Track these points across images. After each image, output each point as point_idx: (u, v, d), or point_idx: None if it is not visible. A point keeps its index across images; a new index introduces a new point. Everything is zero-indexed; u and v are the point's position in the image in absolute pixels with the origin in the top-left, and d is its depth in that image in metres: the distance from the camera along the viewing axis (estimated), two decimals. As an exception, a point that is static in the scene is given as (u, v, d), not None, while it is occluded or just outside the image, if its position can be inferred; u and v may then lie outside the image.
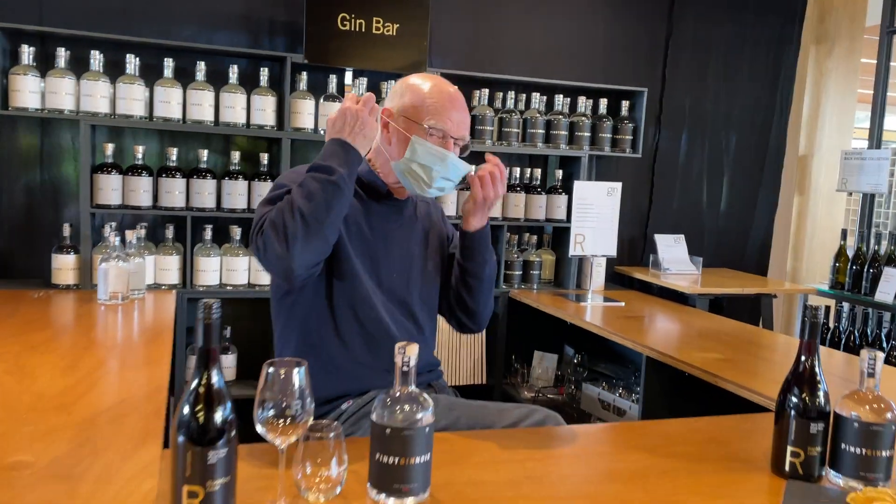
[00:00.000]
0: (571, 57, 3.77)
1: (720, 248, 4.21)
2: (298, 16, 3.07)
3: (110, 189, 2.91)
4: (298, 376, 1.14)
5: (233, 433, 1.12)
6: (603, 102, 3.62)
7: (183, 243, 3.04)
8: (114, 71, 2.96)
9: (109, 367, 1.88)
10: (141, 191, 2.96)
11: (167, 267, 3.02)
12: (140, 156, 2.97)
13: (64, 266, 2.89)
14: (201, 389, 1.10)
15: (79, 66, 2.91)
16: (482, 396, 3.60)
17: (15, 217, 3.05)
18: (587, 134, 3.57)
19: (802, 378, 1.35)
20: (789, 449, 1.33)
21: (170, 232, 3.05)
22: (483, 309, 1.93)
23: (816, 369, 1.35)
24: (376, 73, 3.24)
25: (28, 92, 2.80)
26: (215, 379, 1.11)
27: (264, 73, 3.09)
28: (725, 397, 2.07)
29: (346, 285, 1.72)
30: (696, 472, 1.37)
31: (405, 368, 1.22)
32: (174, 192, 2.99)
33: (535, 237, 3.61)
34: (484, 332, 3.44)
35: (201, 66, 3.00)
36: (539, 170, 3.58)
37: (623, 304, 3.27)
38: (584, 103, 3.59)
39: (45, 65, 2.91)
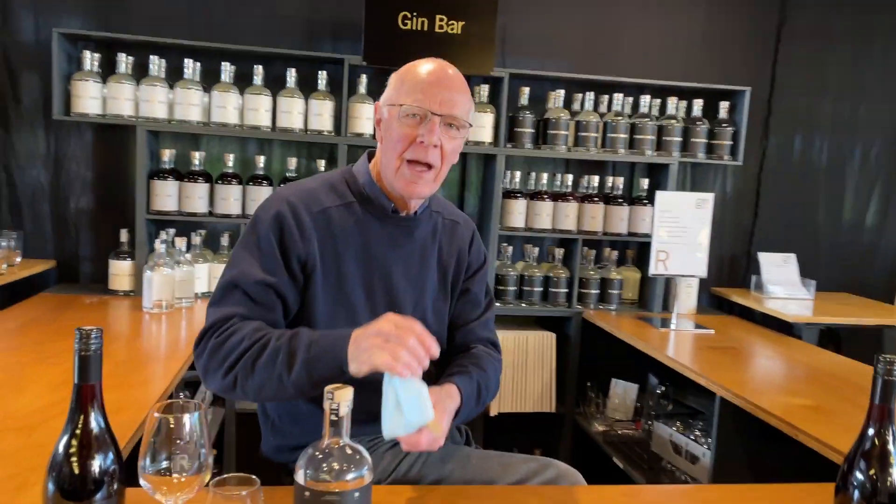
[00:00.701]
0: (660, 53, 3.40)
1: (840, 270, 3.67)
2: (358, 16, 2.92)
3: (166, 195, 2.87)
4: (191, 422, 0.95)
5: (114, 487, 0.94)
6: (697, 104, 3.24)
7: (238, 252, 2.96)
8: (175, 76, 2.93)
9: (104, 384, 1.77)
10: (196, 197, 2.90)
11: (221, 275, 2.94)
12: (197, 162, 2.92)
13: (120, 272, 2.88)
14: (75, 437, 0.92)
15: (141, 72, 2.90)
16: (551, 426, 3.32)
17: (83, 222, 3.09)
18: (678, 139, 3.19)
19: (871, 453, 1.02)
20: (849, 547, 1.01)
21: (225, 240, 2.98)
22: None
23: (890, 444, 1.01)
24: (440, 75, 3.02)
25: (89, 98, 2.80)
26: (94, 422, 0.93)
27: (322, 77, 2.97)
28: (816, 452, 1.69)
29: (337, 328, 1.43)
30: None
31: (334, 417, 1.00)
32: (230, 199, 2.92)
33: (615, 252, 3.27)
34: (554, 355, 3.15)
35: (259, 71, 2.92)
36: (621, 178, 3.25)
37: (713, 331, 2.88)
38: (674, 105, 3.22)
39: (108, 70, 2.92)
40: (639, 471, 2.66)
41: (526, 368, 3.13)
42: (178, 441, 0.94)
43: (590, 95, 3.16)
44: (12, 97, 2.95)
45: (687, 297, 3.23)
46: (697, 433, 2.45)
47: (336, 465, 0.99)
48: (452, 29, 2.94)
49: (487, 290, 1.71)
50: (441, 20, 2.92)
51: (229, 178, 2.93)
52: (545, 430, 3.36)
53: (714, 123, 3.26)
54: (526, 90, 3.10)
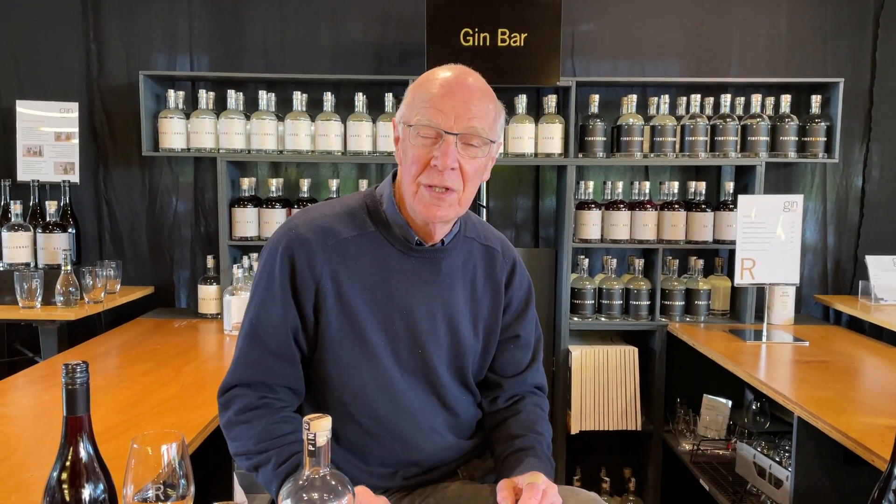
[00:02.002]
0: (740, 49, 3.20)
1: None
2: (423, 37, 2.94)
3: (246, 222, 3.00)
4: (170, 453, 0.98)
5: (105, 515, 0.98)
6: (785, 99, 3.02)
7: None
8: (252, 107, 3.07)
9: (165, 406, 1.87)
10: (274, 223, 3.01)
11: (300, 297, 3.04)
12: (274, 188, 3.04)
13: (207, 296, 3.03)
14: (65, 469, 0.97)
15: (221, 106, 3.06)
16: (639, 445, 3.18)
17: (176, 250, 3.28)
18: (764, 138, 2.99)
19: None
20: None
21: (303, 262, 3.08)
22: None
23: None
24: (506, 90, 2.98)
25: (174, 133, 2.99)
26: (83, 452, 0.98)
27: (389, 99, 3.01)
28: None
29: (355, 371, 1.39)
30: None
31: (311, 447, 1.00)
32: (305, 223, 3.01)
33: (701, 261, 3.10)
34: (637, 370, 3.03)
35: (328, 97, 3.00)
36: (703, 183, 3.08)
37: (807, 343, 2.67)
38: (758, 102, 3.02)
39: (191, 106, 3.10)
40: (724, 494, 2.50)
41: (608, 385, 3.01)
42: (158, 470, 0.97)
43: (665, 98, 3.03)
44: (109, 136, 3.19)
45: (783, 307, 3.01)
46: (784, 454, 2.27)
47: (316, 495, 0.99)
48: (515, 41, 2.90)
49: (536, 326, 1.58)
50: (503, 33, 2.90)
51: (304, 203, 3.03)
52: (632, 450, 3.23)
53: (805, 119, 3.03)
54: (596, 97, 3.02)
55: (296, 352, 1.39)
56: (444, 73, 1.33)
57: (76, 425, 0.97)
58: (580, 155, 3.03)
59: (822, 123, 3.00)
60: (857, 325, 3.13)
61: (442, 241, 1.43)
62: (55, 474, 0.97)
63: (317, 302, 1.36)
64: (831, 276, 3.34)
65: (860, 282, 3.17)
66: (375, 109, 3.07)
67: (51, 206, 2.89)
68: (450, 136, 1.28)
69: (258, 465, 1.32)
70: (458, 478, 1.48)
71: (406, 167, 1.34)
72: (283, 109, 3.08)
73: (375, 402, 1.39)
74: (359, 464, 1.42)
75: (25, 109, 3.10)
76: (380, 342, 1.38)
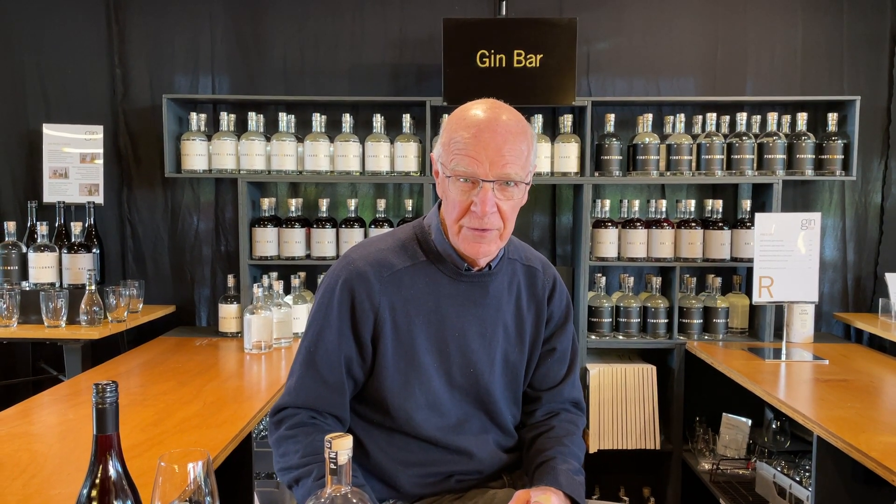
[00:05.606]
0: (756, 66, 3.21)
1: None
2: (440, 58, 2.99)
3: (266, 241, 3.05)
4: (195, 470, 1.00)
5: (135, 533, 1.01)
6: (801, 117, 3.03)
7: (334, 292, 3.08)
8: (272, 129, 3.12)
9: (188, 424, 1.89)
10: (294, 242, 3.06)
11: (319, 316, 3.06)
12: (293, 208, 3.09)
13: (228, 315, 3.07)
14: (94, 486, 1.00)
15: (242, 128, 3.11)
16: (658, 464, 3.17)
17: (197, 269, 3.33)
18: (781, 156, 3.00)
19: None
20: None
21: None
22: None
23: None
24: (522, 110, 2.99)
25: (196, 155, 3.04)
26: (112, 470, 1.01)
27: (407, 119, 3.06)
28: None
29: (409, 394, 1.45)
30: None
31: (333, 466, 1.02)
32: (324, 242, 3.05)
33: (719, 279, 3.09)
34: (655, 388, 3.02)
35: (347, 119, 3.05)
36: (720, 201, 3.08)
37: (827, 362, 2.65)
38: (774, 119, 3.03)
39: (213, 128, 3.16)
40: (745, 514, 2.49)
41: (626, 403, 3.01)
42: (184, 488, 1.00)
43: (680, 116, 3.05)
44: (133, 158, 3.25)
45: (802, 325, 3.00)
46: (805, 474, 2.25)
47: (338, 513, 1.01)
48: (531, 63, 2.94)
49: (573, 343, 1.63)
50: (519, 55, 2.93)
51: (323, 223, 3.07)
52: (651, 469, 3.21)
53: (821, 137, 3.03)
54: (611, 116, 3.04)
55: (346, 381, 1.46)
56: (478, 112, 1.36)
57: (106, 443, 1.00)
58: (596, 173, 3.05)
59: (839, 141, 3.00)
60: (878, 343, 3.10)
61: (489, 265, 1.49)
62: (85, 491, 0.99)
63: (375, 330, 1.44)
64: (851, 294, 3.32)
65: (880, 299, 3.15)
66: (393, 130, 3.12)
67: (76, 227, 2.95)
68: (486, 184, 1.34)
69: (299, 478, 1.36)
70: (505, 484, 1.53)
71: (448, 208, 1.41)
72: (303, 131, 3.13)
73: (427, 422, 1.47)
74: (411, 470, 1.48)
75: (52, 132, 3.17)
76: (432, 365, 1.46)
